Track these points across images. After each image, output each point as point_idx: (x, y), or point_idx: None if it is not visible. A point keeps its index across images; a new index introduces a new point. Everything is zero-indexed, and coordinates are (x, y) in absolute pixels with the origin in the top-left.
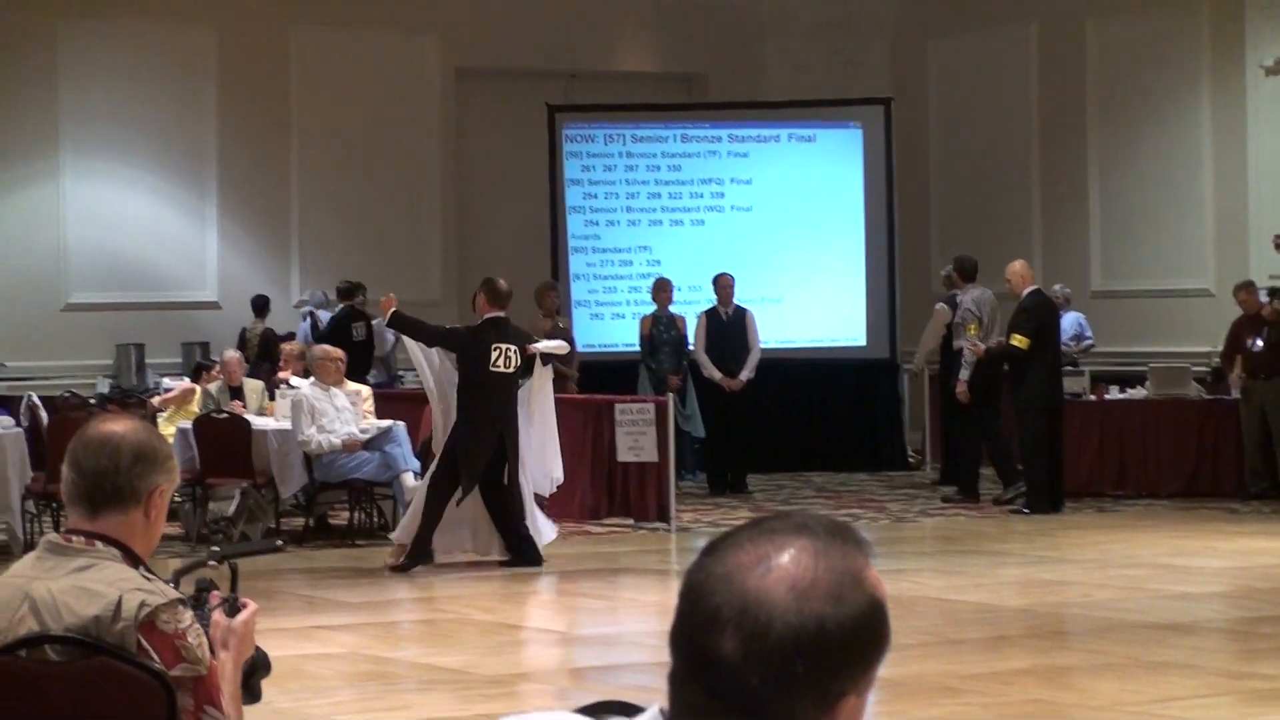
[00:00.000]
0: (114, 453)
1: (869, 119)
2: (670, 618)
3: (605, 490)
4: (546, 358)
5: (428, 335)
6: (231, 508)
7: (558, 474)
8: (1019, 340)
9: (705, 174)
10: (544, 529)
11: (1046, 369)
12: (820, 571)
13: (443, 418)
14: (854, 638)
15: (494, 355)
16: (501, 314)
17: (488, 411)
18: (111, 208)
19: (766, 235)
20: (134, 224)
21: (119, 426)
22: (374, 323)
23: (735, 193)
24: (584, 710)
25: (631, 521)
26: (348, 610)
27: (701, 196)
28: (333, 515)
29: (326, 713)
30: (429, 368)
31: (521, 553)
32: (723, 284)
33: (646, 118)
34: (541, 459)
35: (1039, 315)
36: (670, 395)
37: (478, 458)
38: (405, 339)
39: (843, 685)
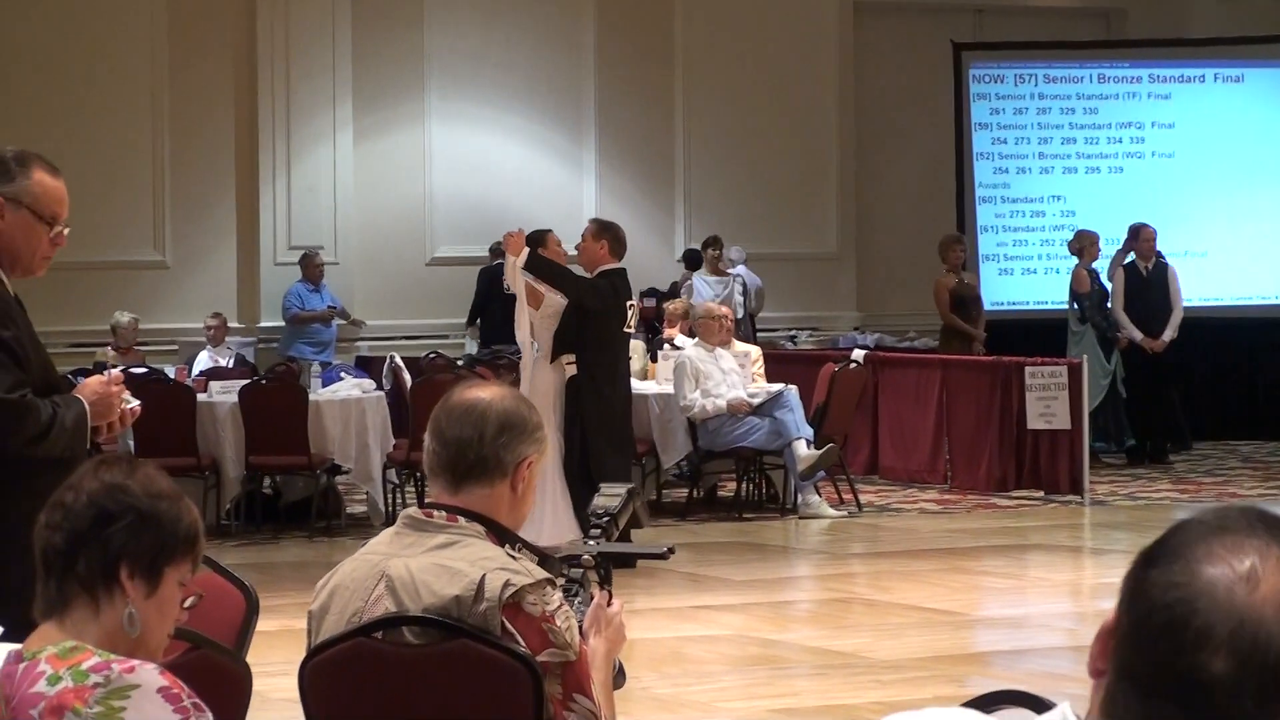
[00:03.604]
0: (479, 421)
1: None
2: (1078, 599)
3: (1013, 460)
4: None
5: (571, 284)
6: (617, 503)
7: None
8: None
9: (1124, 117)
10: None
11: None
12: None
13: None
14: None
15: (630, 314)
16: (622, 266)
17: (625, 380)
18: (481, 154)
19: (1190, 184)
20: (505, 172)
21: (485, 393)
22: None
23: (1156, 137)
24: (983, 699)
25: (1041, 494)
26: (734, 589)
27: (1120, 141)
28: (721, 486)
29: (709, 699)
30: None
31: None
32: (1145, 236)
33: (1060, 56)
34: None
35: None
36: (1083, 357)
37: (627, 435)
38: (538, 292)
39: None
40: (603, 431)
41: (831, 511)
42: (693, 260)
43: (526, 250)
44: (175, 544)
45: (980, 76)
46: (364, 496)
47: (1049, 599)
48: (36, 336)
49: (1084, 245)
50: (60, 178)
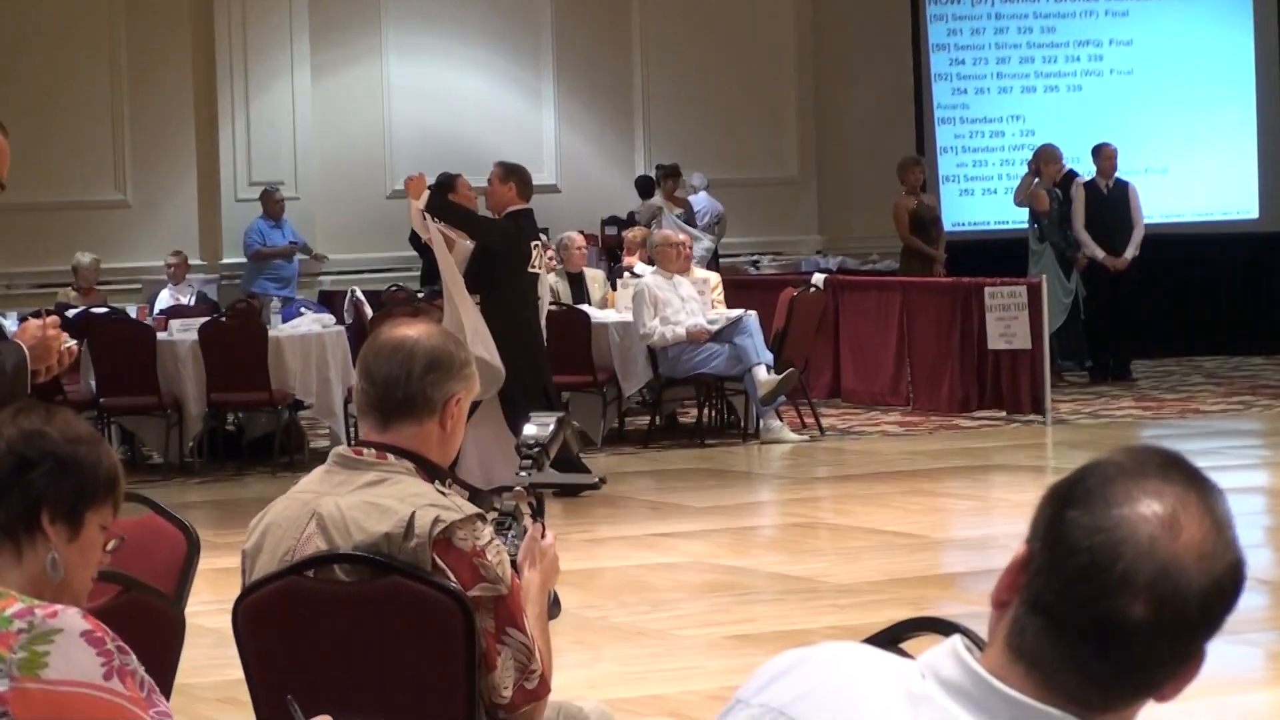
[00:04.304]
0: (406, 359)
1: None
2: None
3: (975, 381)
4: None
5: (475, 225)
6: (547, 432)
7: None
8: None
9: (1082, 35)
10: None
11: None
12: (1213, 528)
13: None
14: (1239, 593)
15: (534, 254)
16: (529, 207)
17: (533, 320)
18: (439, 87)
19: (1149, 101)
20: (464, 104)
21: (413, 331)
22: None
23: (1114, 55)
24: (897, 627)
25: (1003, 414)
26: (695, 516)
27: (1078, 60)
28: (681, 413)
29: (665, 626)
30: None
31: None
32: (1105, 155)
33: None
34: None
35: None
36: (1047, 275)
37: (537, 377)
38: (450, 238)
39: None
40: (510, 372)
41: (793, 436)
42: (646, 187)
43: (427, 193)
44: (95, 488)
45: None
46: (326, 431)
47: (1011, 520)
48: None
49: (1042, 164)
50: (5, 135)
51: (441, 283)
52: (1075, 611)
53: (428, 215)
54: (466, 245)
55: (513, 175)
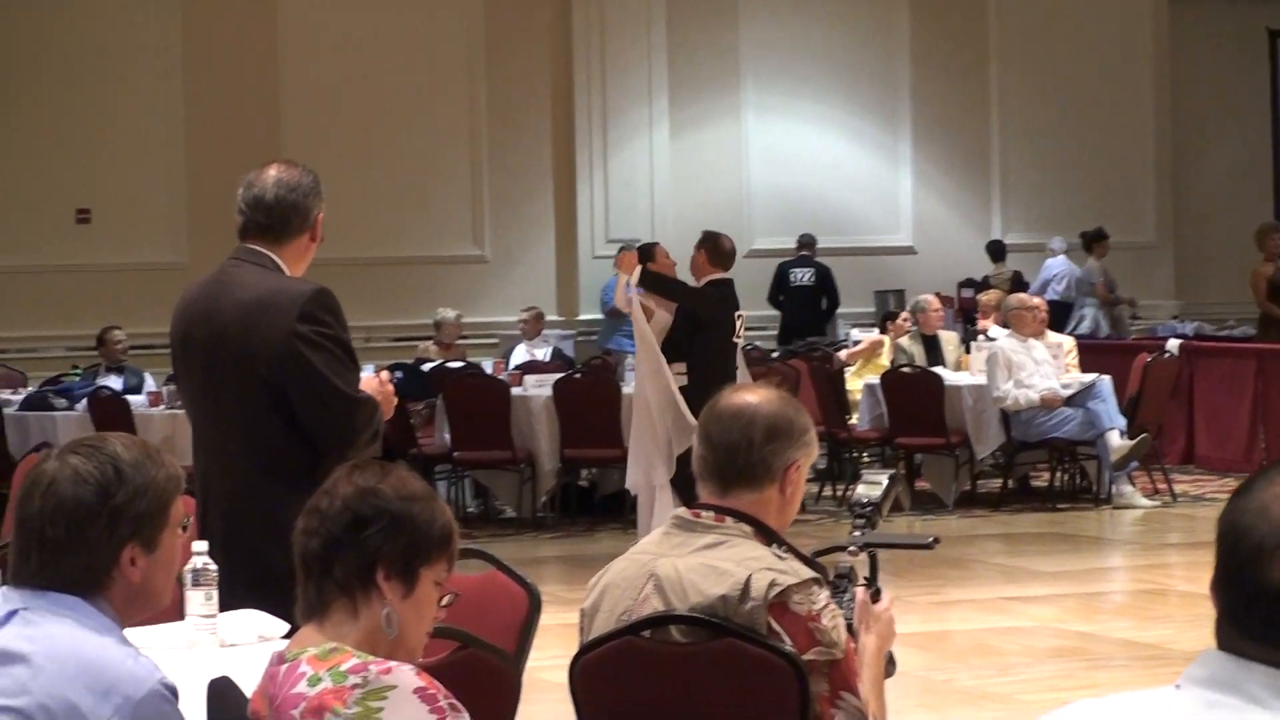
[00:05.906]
0: (747, 426)
1: None
2: None
3: None
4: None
5: (682, 293)
6: (879, 491)
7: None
8: None
9: None
10: None
11: None
12: None
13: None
14: None
15: (738, 324)
16: (729, 276)
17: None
18: (796, 147)
19: None
20: (820, 164)
21: (753, 397)
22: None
23: None
24: None
25: None
26: (1044, 580)
27: None
28: (1034, 476)
29: (1010, 691)
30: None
31: None
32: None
33: None
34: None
35: None
36: None
37: None
38: (647, 308)
39: None
40: None
41: (1145, 502)
42: (997, 251)
43: (639, 269)
44: (429, 545)
45: None
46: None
47: None
48: None
49: None
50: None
51: (639, 356)
52: (1229, 590)
53: (635, 290)
54: (665, 316)
55: (705, 243)
